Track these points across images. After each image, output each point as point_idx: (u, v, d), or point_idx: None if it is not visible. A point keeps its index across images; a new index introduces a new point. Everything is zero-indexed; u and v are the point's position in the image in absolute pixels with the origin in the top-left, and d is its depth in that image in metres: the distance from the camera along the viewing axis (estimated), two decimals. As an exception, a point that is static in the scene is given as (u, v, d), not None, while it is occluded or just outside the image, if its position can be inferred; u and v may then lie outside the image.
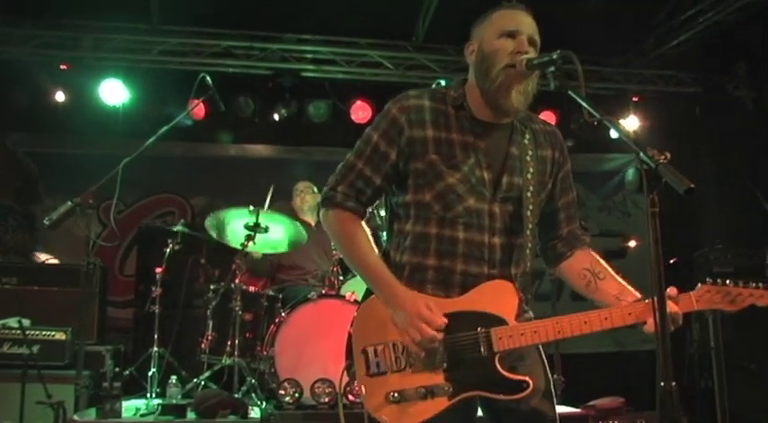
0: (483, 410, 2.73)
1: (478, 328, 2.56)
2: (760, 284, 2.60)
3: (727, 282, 2.60)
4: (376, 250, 2.72)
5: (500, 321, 2.57)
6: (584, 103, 2.44)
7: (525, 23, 2.70)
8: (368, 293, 2.75)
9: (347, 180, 2.75)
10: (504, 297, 2.62)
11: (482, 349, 2.55)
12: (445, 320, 2.53)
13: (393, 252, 2.77)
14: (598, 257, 2.85)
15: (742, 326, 6.49)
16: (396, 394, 2.54)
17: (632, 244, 9.56)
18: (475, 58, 2.74)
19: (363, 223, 2.78)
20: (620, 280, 2.76)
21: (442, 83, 7.27)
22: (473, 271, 2.65)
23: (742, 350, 6.51)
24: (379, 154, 2.72)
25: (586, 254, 2.88)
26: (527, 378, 2.54)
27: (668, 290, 2.55)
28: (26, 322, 5.93)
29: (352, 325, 2.71)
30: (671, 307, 2.49)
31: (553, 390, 2.75)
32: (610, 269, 2.81)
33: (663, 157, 2.12)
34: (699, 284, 2.62)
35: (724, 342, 6.51)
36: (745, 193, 8.03)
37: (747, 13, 7.35)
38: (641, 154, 2.15)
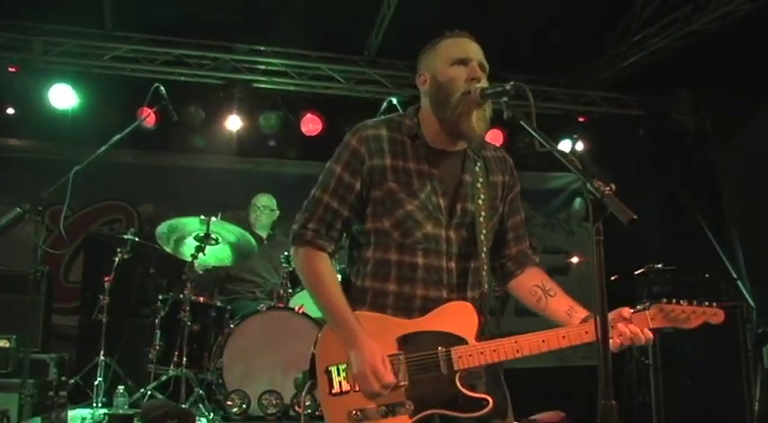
0: None
1: (439, 348, 2.62)
2: (714, 304, 2.70)
3: (681, 301, 2.68)
4: (341, 291, 2.74)
5: (460, 341, 2.63)
6: (535, 134, 2.51)
7: (473, 50, 2.78)
8: None
9: (316, 216, 2.77)
10: (465, 317, 2.68)
11: (442, 368, 2.61)
12: (394, 380, 2.58)
13: (354, 278, 2.82)
14: (548, 276, 2.93)
15: (678, 344, 6.68)
16: (358, 413, 2.58)
17: (575, 260, 9.76)
18: (429, 89, 2.80)
19: (330, 262, 2.80)
20: (570, 298, 2.84)
21: (393, 100, 7.40)
22: (432, 295, 2.71)
23: (678, 367, 6.68)
24: (344, 185, 2.76)
25: (536, 272, 2.96)
26: (487, 396, 2.61)
27: (623, 310, 2.65)
28: (-31, 329, 5.85)
29: (315, 345, 2.73)
30: (632, 330, 2.59)
31: (510, 409, 2.80)
32: (559, 287, 2.89)
33: (608, 188, 2.21)
34: (650, 304, 2.68)
35: (662, 359, 6.70)
36: (686, 213, 8.27)
37: (691, 41, 7.59)
38: (588, 185, 2.23)
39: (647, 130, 9.17)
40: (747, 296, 7.42)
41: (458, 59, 2.74)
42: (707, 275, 7.23)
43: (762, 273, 7.57)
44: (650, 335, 2.63)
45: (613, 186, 2.22)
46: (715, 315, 2.71)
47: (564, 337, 2.63)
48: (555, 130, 8.89)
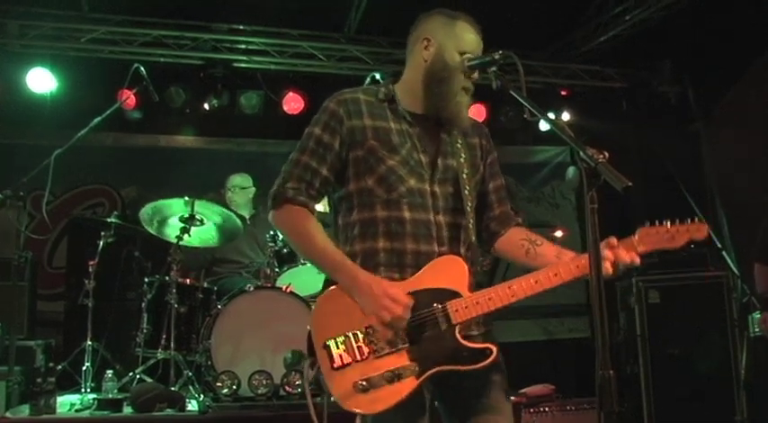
0: (439, 400, 2.78)
1: (435, 304, 2.61)
2: (696, 220, 2.70)
3: (664, 222, 2.69)
4: (330, 241, 2.73)
5: (454, 294, 2.62)
6: (525, 103, 2.52)
7: (480, 47, 2.84)
8: (323, 288, 2.75)
9: (294, 175, 2.76)
10: (454, 270, 2.67)
11: (441, 324, 2.59)
12: (411, 299, 2.57)
13: (342, 246, 2.80)
14: (532, 232, 2.95)
15: (666, 313, 6.73)
16: (363, 383, 2.54)
17: (559, 234, 9.76)
18: (432, 58, 2.82)
19: (314, 217, 2.76)
20: (557, 246, 2.85)
21: (377, 76, 7.35)
22: (423, 249, 2.71)
23: (665, 337, 6.73)
24: (323, 145, 2.76)
25: (521, 229, 2.98)
26: (490, 345, 2.60)
27: (609, 239, 2.63)
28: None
29: (310, 321, 2.69)
30: (623, 256, 2.61)
31: (503, 362, 2.79)
32: (545, 238, 2.91)
33: (601, 156, 2.20)
34: (638, 228, 2.69)
35: (649, 330, 6.74)
36: (670, 185, 8.28)
37: (672, 12, 7.57)
38: (581, 153, 2.22)
39: (631, 102, 9.17)
40: (732, 266, 7.44)
41: (467, 53, 2.79)
42: (692, 246, 7.23)
43: (746, 242, 7.60)
44: (638, 260, 2.64)
45: (606, 154, 2.20)
46: (698, 231, 2.71)
47: (556, 274, 2.63)
48: (538, 104, 8.82)
